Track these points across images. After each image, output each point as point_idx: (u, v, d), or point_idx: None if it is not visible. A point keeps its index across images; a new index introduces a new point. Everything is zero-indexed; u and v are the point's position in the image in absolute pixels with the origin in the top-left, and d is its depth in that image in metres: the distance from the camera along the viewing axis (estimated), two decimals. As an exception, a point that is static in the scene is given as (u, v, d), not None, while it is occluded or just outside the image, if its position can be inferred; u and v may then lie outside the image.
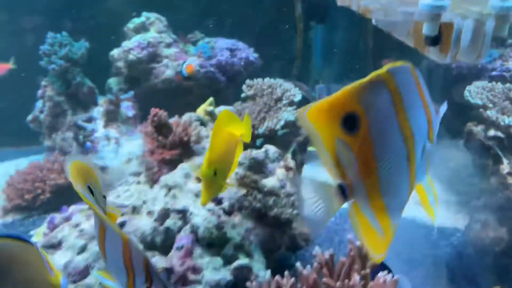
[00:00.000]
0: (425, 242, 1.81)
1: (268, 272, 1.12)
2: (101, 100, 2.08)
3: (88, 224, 1.20)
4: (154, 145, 1.45)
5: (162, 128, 1.44)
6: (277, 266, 1.27)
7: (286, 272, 1.10)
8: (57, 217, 1.33)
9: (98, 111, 2.08)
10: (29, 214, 1.99)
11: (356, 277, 1.05)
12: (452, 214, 1.96)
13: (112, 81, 2.37)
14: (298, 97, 1.61)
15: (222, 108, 1.86)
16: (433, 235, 1.86)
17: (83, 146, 1.95)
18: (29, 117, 2.34)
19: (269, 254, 1.26)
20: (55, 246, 1.18)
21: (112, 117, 2.09)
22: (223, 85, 2.26)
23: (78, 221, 1.23)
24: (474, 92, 1.48)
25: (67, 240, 1.17)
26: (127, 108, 2.14)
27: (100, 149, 1.98)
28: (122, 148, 2.03)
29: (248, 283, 1.10)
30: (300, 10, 2.48)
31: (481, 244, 1.53)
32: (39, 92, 2.28)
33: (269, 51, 2.60)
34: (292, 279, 1.08)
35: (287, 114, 1.53)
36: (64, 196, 2.04)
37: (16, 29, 2.74)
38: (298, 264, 1.10)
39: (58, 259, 1.12)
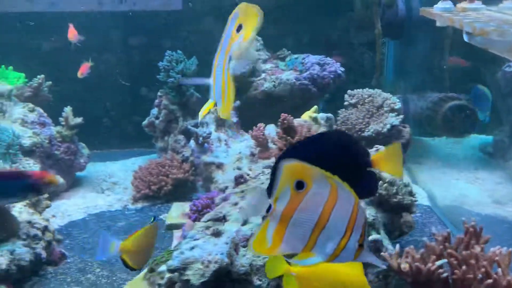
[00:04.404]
0: (510, 234, 2.01)
1: (397, 245, 1.38)
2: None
3: (244, 203, 1.52)
4: (282, 143, 1.76)
5: (289, 130, 1.75)
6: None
7: (411, 246, 1.37)
8: (210, 197, 1.66)
9: (210, 117, 2.43)
10: (155, 202, 2.36)
11: (477, 248, 1.29)
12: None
13: (214, 92, 2.73)
14: (398, 105, 1.88)
15: (323, 114, 2.15)
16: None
17: (202, 146, 2.30)
18: (145, 122, 2.74)
19: (388, 235, 1.52)
20: (221, 219, 1.50)
21: (221, 122, 2.44)
22: (314, 96, 2.56)
23: (236, 200, 1.55)
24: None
25: (231, 215, 1.49)
26: (232, 115, 2.48)
27: (214, 149, 2.33)
28: (231, 148, 2.36)
29: (382, 253, 1.37)
30: (380, 27, 2.76)
31: None
32: (156, 101, 2.68)
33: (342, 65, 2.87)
34: (422, 250, 1.34)
35: (393, 119, 1.79)
36: (182, 188, 2.40)
37: (125, 47, 3.19)
38: (425, 239, 1.36)
39: (228, 229, 1.44)
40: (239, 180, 1.71)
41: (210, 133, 2.32)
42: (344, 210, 0.77)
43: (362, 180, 0.91)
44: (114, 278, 1.72)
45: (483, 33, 1.33)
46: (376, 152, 0.94)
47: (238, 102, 2.49)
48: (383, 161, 0.92)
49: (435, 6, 1.77)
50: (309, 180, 0.78)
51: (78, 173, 2.64)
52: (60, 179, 2.20)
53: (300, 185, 0.78)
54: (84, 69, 2.58)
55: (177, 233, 1.99)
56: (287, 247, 0.78)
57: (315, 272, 0.96)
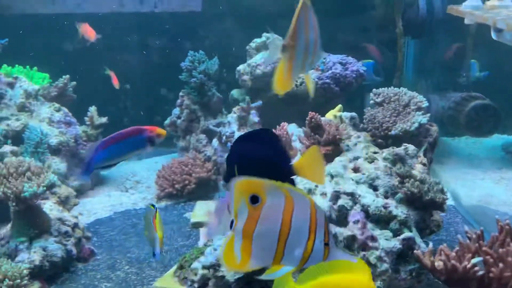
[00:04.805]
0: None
1: (430, 244, 1.37)
2: (235, 107, 2.45)
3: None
4: (310, 142, 1.76)
5: (317, 128, 1.75)
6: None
7: (445, 244, 1.36)
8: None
9: (232, 117, 2.45)
10: (178, 201, 2.38)
11: (515, 247, 1.28)
12: None
13: (235, 92, 2.76)
14: (425, 104, 1.87)
15: (347, 113, 2.15)
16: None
17: (225, 145, 2.32)
18: (167, 122, 2.77)
19: (419, 233, 1.52)
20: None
21: (243, 122, 2.45)
22: (336, 95, 2.56)
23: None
24: None
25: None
26: (253, 115, 2.50)
27: (237, 148, 2.34)
28: (254, 148, 2.37)
29: (415, 251, 1.36)
30: (401, 27, 2.75)
31: None
32: (178, 101, 2.71)
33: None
34: (456, 248, 1.33)
35: (420, 117, 1.79)
36: (204, 187, 2.42)
37: (145, 48, 3.23)
38: (459, 236, 1.36)
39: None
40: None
41: (233, 132, 2.34)
42: (303, 214, 0.78)
43: None
44: (143, 275, 1.74)
45: (518, 29, 1.33)
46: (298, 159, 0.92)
47: (260, 102, 2.50)
48: (304, 168, 0.91)
49: (463, 3, 1.76)
50: (262, 193, 0.79)
51: (102, 172, 2.68)
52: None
53: (254, 200, 0.79)
54: (115, 80, 2.64)
55: (203, 231, 2.00)
56: (257, 261, 0.79)
57: None
